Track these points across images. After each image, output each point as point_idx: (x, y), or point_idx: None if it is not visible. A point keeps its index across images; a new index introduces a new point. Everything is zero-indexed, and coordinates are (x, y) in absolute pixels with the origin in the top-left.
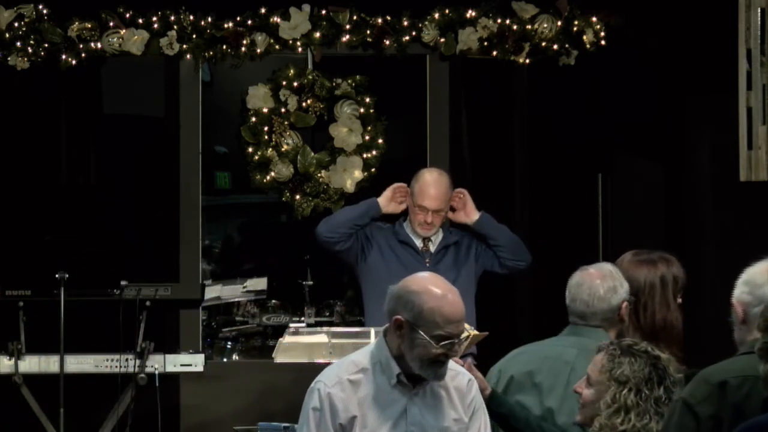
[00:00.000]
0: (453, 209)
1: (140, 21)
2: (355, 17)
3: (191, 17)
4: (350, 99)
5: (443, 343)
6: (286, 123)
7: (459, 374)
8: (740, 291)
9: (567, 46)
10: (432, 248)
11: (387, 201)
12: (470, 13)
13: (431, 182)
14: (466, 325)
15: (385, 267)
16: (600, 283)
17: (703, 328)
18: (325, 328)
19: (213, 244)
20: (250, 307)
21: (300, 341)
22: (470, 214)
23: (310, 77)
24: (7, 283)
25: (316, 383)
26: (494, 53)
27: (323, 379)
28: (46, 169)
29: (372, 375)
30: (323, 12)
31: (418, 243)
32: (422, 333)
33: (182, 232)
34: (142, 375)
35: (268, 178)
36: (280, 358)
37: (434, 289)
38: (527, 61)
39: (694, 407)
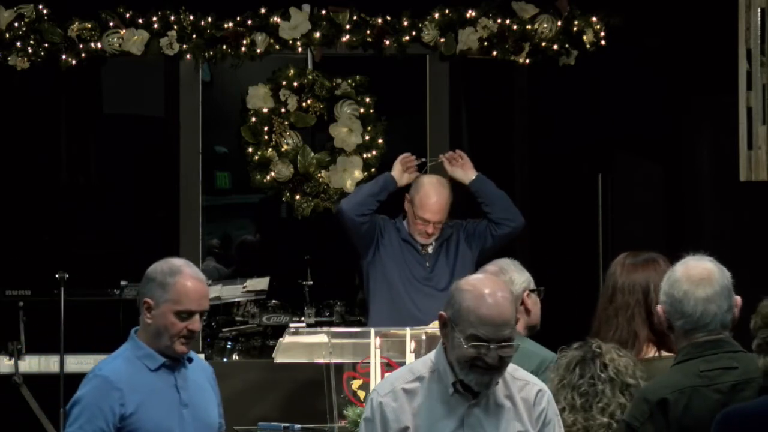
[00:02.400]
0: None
1: (140, 21)
2: (355, 17)
3: (191, 17)
4: (350, 99)
5: (473, 343)
6: (286, 123)
7: (528, 384)
8: (662, 299)
9: (567, 46)
10: (430, 249)
11: (400, 174)
12: (470, 13)
13: (432, 194)
14: None
15: (393, 262)
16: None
17: None
18: (325, 328)
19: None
20: (250, 307)
21: (300, 341)
22: (468, 173)
23: (310, 77)
24: (7, 283)
25: (372, 392)
26: (494, 53)
27: (378, 388)
28: (46, 169)
29: (428, 383)
30: (323, 12)
31: (418, 243)
32: (458, 332)
33: (182, 232)
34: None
35: (268, 178)
36: (280, 358)
37: (480, 288)
38: (527, 61)
39: (637, 429)
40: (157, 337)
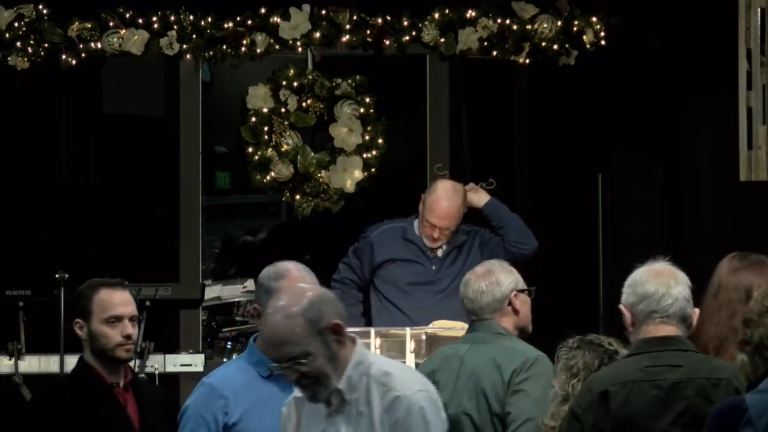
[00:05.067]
0: None
1: (140, 21)
2: (355, 17)
3: (191, 17)
4: (350, 99)
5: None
6: (286, 123)
7: (390, 391)
8: (625, 294)
9: (567, 46)
10: (439, 252)
11: None
12: (470, 13)
13: (444, 199)
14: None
15: (397, 266)
16: (482, 278)
17: None
18: None
19: (213, 244)
20: (250, 307)
21: None
22: (481, 197)
23: (310, 77)
24: (7, 283)
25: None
26: (494, 53)
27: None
28: (46, 169)
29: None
30: (323, 12)
31: (427, 243)
32: None
33: (182, 232)
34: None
35: (268, 178)
36: None
37: (270, 305)
38: (527, 61)
39: (580, 417)
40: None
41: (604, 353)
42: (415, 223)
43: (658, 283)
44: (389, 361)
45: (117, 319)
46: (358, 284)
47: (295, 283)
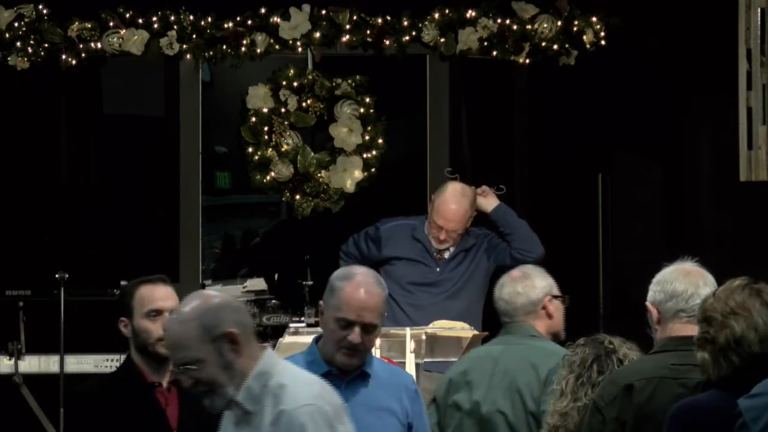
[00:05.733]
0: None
1: (140, 21)
2: (355, 17)
3: (191, 17)
4: (350, 99)
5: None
6: (286, 123)
7: (274, 405)
8: (653, 292)
9: (567, 46)
10: (446, 254)
11: None
12: (470, 13)
13: (452, 201)
14: (465, 325)
15: (399, 261)
16: (518, 281)
17: None
18: None
19: (213, 244)
20: (250, 307)
21: (300, 341)
22: (490, 202)
23: (310, 77)
24: (7, 283)
25: None
26: (494, 53)
27: None
28: (46, 169)
29: None
30: (323, 12)
31: (434, 245)
32: None
33: (182, 232)
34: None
35: (268, 178)
36: None
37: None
38: (527, 61)
39: (602, 409)
40: (325, 344)
41: (603, 350)
42: (426, 222)
43: (688, 283)
44: (295, 373)
45: (158, 312)
46: (359, 262)
47: (358, 288)
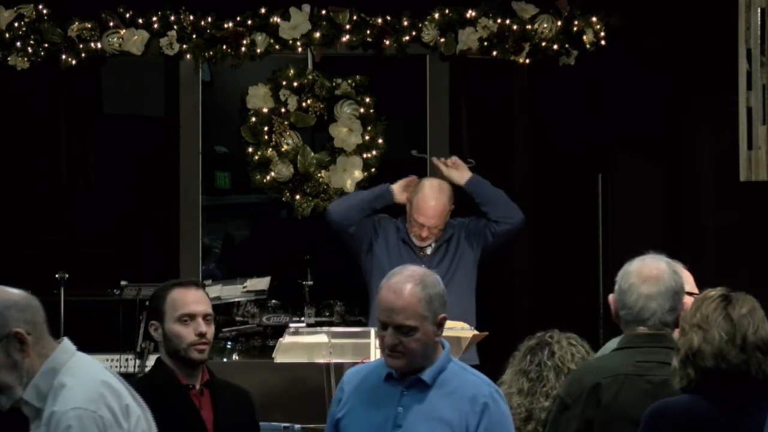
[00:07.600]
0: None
1: (140, 21)
2: (355, 17)
3: (191, 17)
4: (350, 99)
5: None
6: (286, 123)
7: None
8: (615, 288)
9: (567, 46)
10: (428, 251)
11: (401, 189)
12: (470, 13)
13: (430, 198)
14: (465, 325)
15: (389, 262)
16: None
17: None
18: (325, 328)
19: (213, 244)
20: (250, 307)
21: (300, 341)
22: (463, 174)
23: (310, 77)
24: (7, 283)
25: None
26: (494, 53)
27: None
28: (46, 169)
29: None
30: (323, 12)
31: (416, 243)
32: None
33: (182, 232)
34: None
35: (268, 178)
36: (280, 358)
37: None
38: (527, 61)
39: (569, 406)
40: None
41: (538, 341)
42: (407, 223)
43: (639, 295)
44: (81, 373)
45: (190, 317)
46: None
47: (389, 289)
